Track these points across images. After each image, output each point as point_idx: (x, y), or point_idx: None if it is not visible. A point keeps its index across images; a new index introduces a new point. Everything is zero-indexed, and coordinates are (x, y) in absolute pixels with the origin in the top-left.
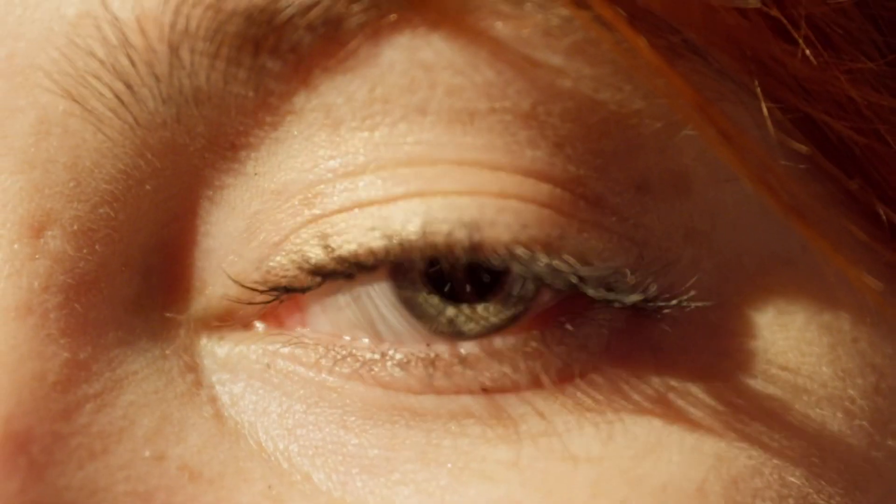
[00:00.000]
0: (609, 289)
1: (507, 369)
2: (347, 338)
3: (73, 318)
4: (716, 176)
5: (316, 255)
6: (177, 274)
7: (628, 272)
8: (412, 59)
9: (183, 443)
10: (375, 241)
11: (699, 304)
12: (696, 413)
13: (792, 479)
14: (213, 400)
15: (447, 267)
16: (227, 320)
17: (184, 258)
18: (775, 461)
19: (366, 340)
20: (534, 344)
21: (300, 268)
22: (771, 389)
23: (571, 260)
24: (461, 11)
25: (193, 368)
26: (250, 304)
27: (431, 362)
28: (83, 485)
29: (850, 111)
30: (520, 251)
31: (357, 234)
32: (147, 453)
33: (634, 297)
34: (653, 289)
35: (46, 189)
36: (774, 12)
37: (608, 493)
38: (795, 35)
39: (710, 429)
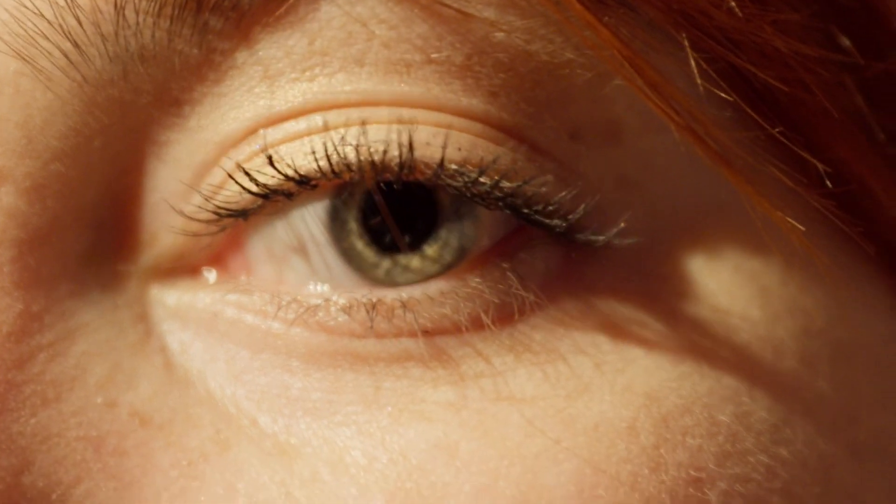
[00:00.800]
0: (535, 210)
1: (447, 311)
2: (291, 283)
3: (26, 272)
4: (647, 125)
5: (259, 173)
6: (126, 227)
7: (552, 196)
8: (349, 13)
9: (134, 390)
10: (314, 162)
11: (629, 240)
12: (627, 353)
13: (721, 418)
14: (163, 349)
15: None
16: (176, 270)
17: (133, 211)
18: (705, 400)
19: (310, 287)
20: (473, 284)
21: (244, 189)
22: (701, 331)
23: (497, 177)
24: None
25: (144, 318)
26: (197, 236)
27: (373, 307)
28: (36, 431)
29: (775, 61)
30: (451, 167)
31: (298, 156)
32: (99, 400)
33: (558, 221)
34: (578, 216)
35: None
36: None
37: (542, 432)
38: None
39: (641, 369)
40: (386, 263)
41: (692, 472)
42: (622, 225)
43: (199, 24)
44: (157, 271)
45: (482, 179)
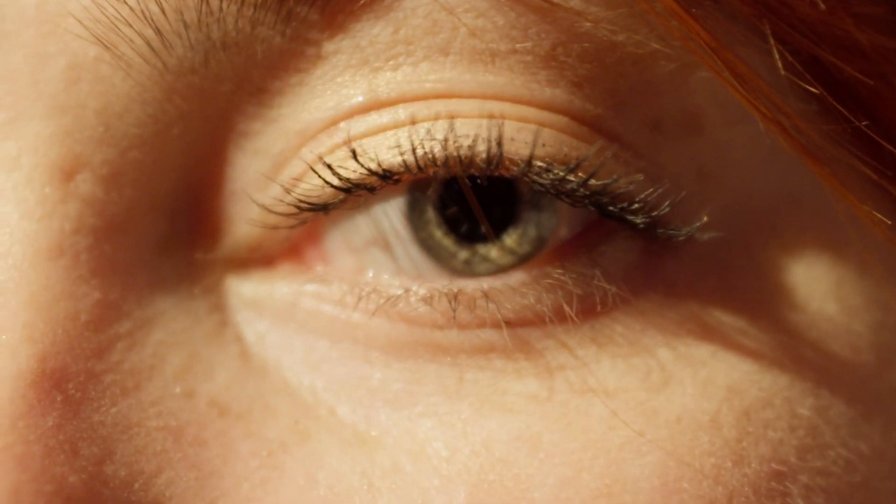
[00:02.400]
0: (620, 208)
1: (529, 301)
2: (371, 274)
3: (103, 260)
4: (728, 117)
5: (342, 167)
6: (203, 216)
7: (638, 194)
8: (435, 1)
9: (211, 380)
10: (399, 157)
11: (710, 234)
12: (708, 347)
13: (802, 411)
14: (239, 338)
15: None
16: (253, 260)
17: (211, 200)
18: (785, 393)
19: (387, 276)
20: (555, 276)
21: (326, 183)
22: (780, 324)
23: (583, 175)
24: None
25: (219, 308)
26: (275, 229)
27: (454, 297)
28: (117, 420)
29: (856, 54)
30: (538, 164)
31: (382, 150)
32: (177, 390)
33: (642, 219)
34: (663, 212)
35: (77, 134)
36: None
37: (626, 425)
38: None
39: (722, 362)
40: (464, 254)
41: (774, 466)
42: (704, 219)
43: (283, 12)
44: (233, 261)
45: (570, 178)
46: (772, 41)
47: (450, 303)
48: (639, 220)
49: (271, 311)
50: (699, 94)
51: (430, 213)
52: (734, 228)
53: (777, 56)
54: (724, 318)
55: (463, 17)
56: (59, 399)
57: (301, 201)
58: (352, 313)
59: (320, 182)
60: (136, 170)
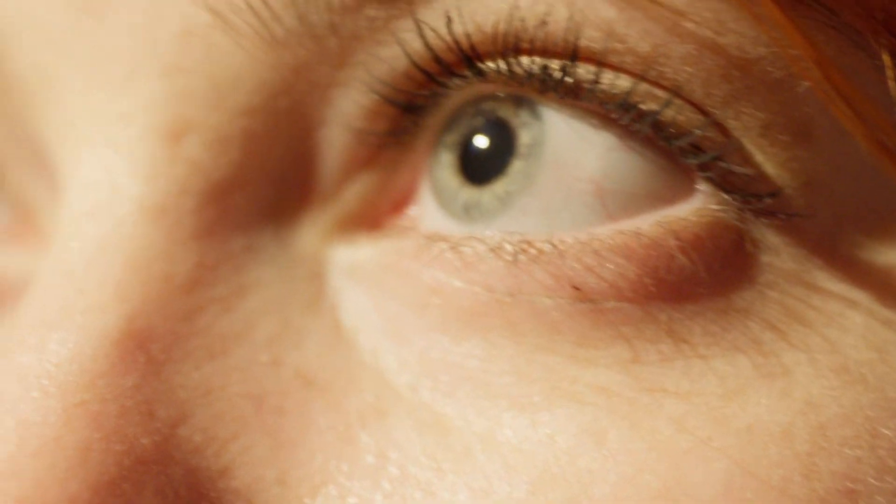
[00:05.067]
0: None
1: (608, 270)
2: (467, 237)
3: (205, 224)
4: (839, 127)
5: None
6: (307, 184)
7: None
8: None
9: (300, 349)
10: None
11: (806, 244)
12: (789, 357)
13: (884, 431)
14: (334, 308)
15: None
16: (355, 225)
17: (315, 168)
18: (867, 412)
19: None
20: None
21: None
22: (868, 341)
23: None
24: None
25: (318, 276)
26: (365, 143)
27: (536, 258)
28: (198, 384)
29: None
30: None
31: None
32: (264, 358)
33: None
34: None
35: (188, 97)
36: None
37: (693, 430)
38: None
39: (802, 374)
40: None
41: (848, 484)
42: (802, 225)
43: None
44: (335, 227)
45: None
46: (886, 61)
47: (531, 262)
48: (736, 202)
49: (367, 278)
50: (808, 101)
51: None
52: (835, 239)
53: (891, 77)
54: (810, 330)
55: (570, 6)
56: (141, 359)
57: (381, 81)
58: (438, 274)
59: (399, 50)
60: (243, 136)
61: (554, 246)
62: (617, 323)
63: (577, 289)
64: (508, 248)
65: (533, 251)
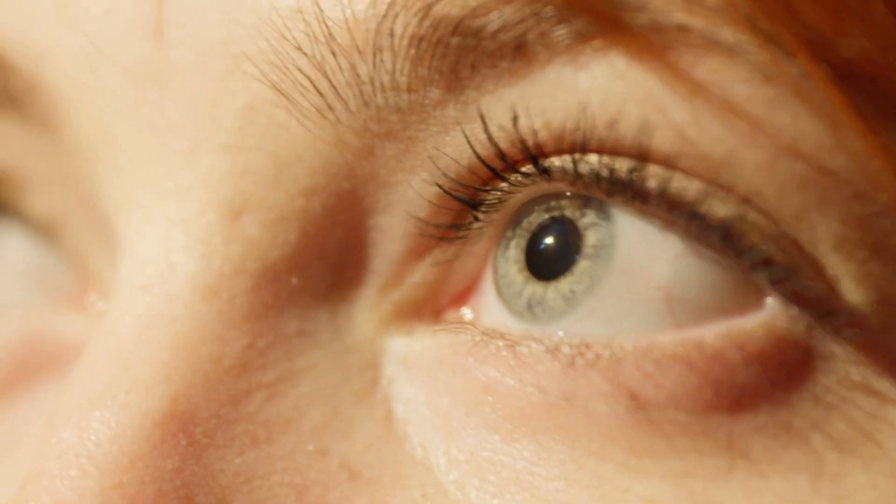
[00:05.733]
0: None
1: (667, 377)
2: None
3: (259, 305)
4: None
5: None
6: (366, 270)
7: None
8: (610, 88)
9: (348, 440)
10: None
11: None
12: (849, 480)
13: None
14: (388, 399)
15: None
16: (415, 314)
17: (374, 256)
18: None
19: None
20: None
21: (469, 145)
22: None
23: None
24: (663, 47)
25: (373, 366)
26: (427, 236)
27: (594, 362)
28: (240, 471)
29: None
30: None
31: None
32: (310, 447)
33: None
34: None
35: (249, 174)
36: None
37: None
38: None
39: (861, 499)
40: None
41: None
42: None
43: (457, 77)
44: (392, 316)
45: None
46: None
47: (588, 366)
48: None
49: (422, 371)
50: (887, 217)
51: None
52: None
53: None
54: (877, 453)
55: (638, 108)
56: (183, 442)
57: (444, 175)
58: (490, 371)
59: (464, 141)
60: (304, 218)
61: (613, 351)
62: (673, 434)
63: (634, 396)
64: (566, 350)
65: (591, 355)
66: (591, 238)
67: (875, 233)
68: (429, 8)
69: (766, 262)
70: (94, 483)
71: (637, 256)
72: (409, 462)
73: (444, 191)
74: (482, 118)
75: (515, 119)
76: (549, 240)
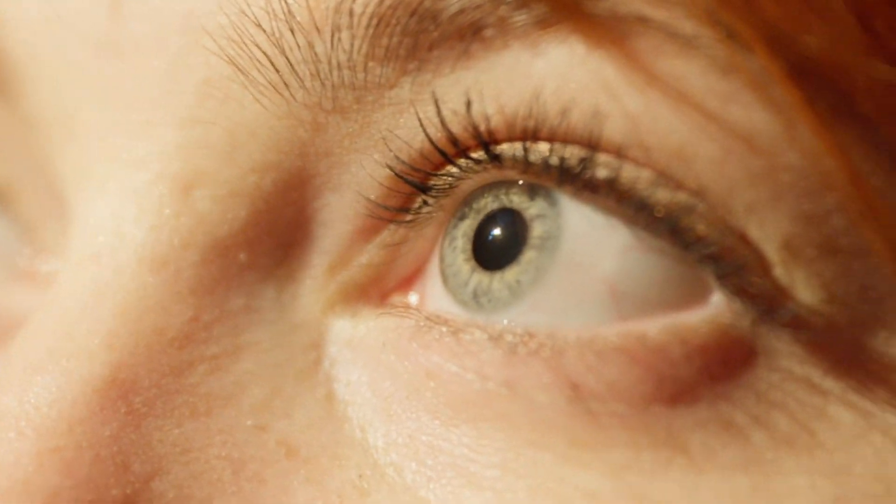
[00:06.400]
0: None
1: (610, 370)
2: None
3: (206, 279)
4: (866, 244)
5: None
6: (315, 249)
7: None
8: (565, 75)
9: (288, 418)
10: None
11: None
12: (788, 480)
13: None
14: (329, 380)
15: None
16: (362, 296)
17: (324, 235)
18: None
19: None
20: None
21: (423, 129)
22: (879, 472)
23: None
24: (622, 36)
25: (317, 346)
26: (378, 218)
27: (538, 349)
28: (178, 441)
29: None
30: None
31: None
32: (249, 423)
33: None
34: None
35: (203, 148)
36: None
37: None
38: None
39: (801, 499)
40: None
41: None
42: (819, 340)
43: (415, 58)
44: (339, 297)
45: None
46: None
47: (530, 355)
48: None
49: (365, 353)
50: (837, 217)
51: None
52: (857, 357)
53: None
54: (818, 453)
55: (592, 96)
56: (122, 410)
57: (397, 158)
58: (433, 357)
59: (417, 123)
60: (255, 194)
61: (556, 341)
62: (613, 426)
63: (575, 387)
64: (509, 338)
65: (534, 344)
66: (537, 229)
67: (824, 231)
68: None
69: (713, 257)
70: (31, 446)
71: (583, 249)
72: (348, 443)
73: (395, 173)
74: (436, 101)
75: (469, 104)
76: (497, 230)
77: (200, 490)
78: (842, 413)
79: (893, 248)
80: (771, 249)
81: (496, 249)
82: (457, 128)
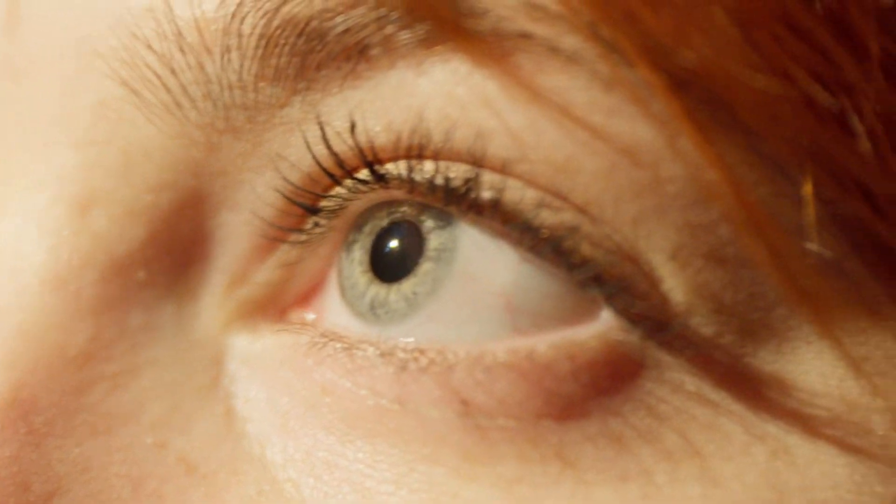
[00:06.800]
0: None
1: (501, 385)
2: (362, 339)
3: (105, 298)
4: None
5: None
6: (213, 267)
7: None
8: (448, 94)
9: (187, 435)
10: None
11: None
12: (677, 491)
13: None
14: (229, 396)
15: None
16: (262, 313)
17: (222, 253)
18: None
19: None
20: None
21: (308, 149)
22: (771, 480)
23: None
24: (505, 53)
25: (217, 363)
26: (273, 240)
27: (424, 369)
28: (78, 461)
29: None
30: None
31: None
32: (149, 440)
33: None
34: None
35: (99, 168)
36: (845, 102)
37: None
38: (858, 130)
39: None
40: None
41: None
42: (708, 351)
43: (303, 77)
44: (238, 314)
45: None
46: (807, 189)
47: (421, 371)
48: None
49: (264, 370)
50: (722, 227)
51: None
52: (745, 368)
53: (812, 219)
54: (708, 465)
55: (475, 114)
56: (22, 430)
57: (286, 180)
58: (327, 373)
59: (303, 145)
60: (151, 213)
61: (445, 357)
62: (503, 441)
63: (465, 403)
64: (400, 354)
65: (424, 360)
66: (434, 241)
67: (711, 242)
68: (277, 9)
69: (598, 278)
70: None
71: (478, 262)
72: (247, 459)
73: (285, 196)
74: (320, 122)
75: (353, 124)
76: (394, 243)
77: None
78: (732, 424)
79: (777, 257)
80: (658, 261)
81: (393, 261)
82: (342, 148)
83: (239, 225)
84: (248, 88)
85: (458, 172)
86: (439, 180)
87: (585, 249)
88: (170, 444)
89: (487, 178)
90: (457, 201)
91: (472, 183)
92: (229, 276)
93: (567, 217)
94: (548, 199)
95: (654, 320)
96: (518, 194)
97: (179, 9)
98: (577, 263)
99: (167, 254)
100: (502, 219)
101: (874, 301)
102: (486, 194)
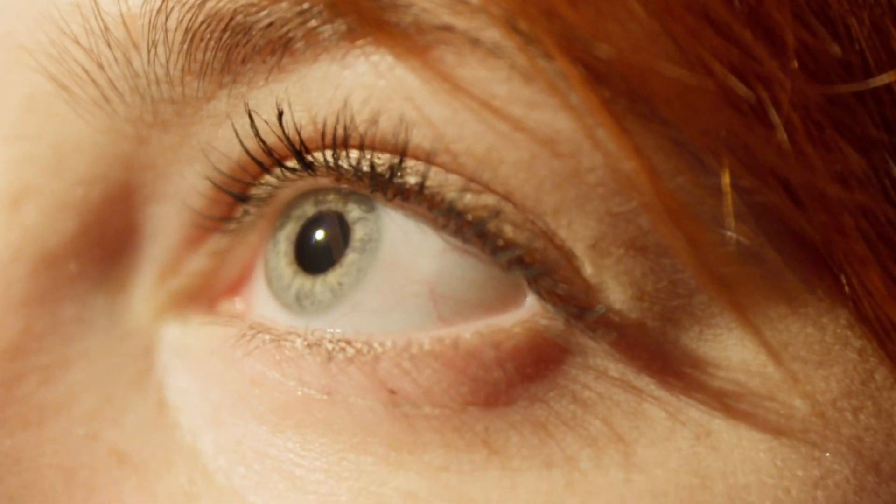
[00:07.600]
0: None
1: (423, 375)
2: (289, 331)
3: (36, 290)
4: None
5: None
6: (144, 258)
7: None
8: (371, 86)
9: (119, 426)
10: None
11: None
12: (603, 477)
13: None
14: (161, 387)
15: None
16: (192, 303)
17: (152, 244)
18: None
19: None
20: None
21: (237, 138)
22: (693, 466)
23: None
24: (426, 46)
25: (148, 354)
26: (202, 227)
27: (354, 358)
28: (10, 452)
29: (817, 205)
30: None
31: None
32: (81, 431)
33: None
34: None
35: (30, 163)
36: (762, 93)
37: None
38: (775, 121)
39: (615, 496)
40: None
41: None
42: (630, 337)
43: (229, 70)
44: (169, 304)
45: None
46: (724, 179)
47: (347, 362)
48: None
49: (195, 360)
50: (642, 216)
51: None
52: (667, 353)
53: (729, 209)
54: (631, 450)
55: (398, 106)
56: None
57: (216, 169)
58: (256, 365)
59: (234, 135)
60: (82, 206)
61: (372, 347)
62: (430, 429)
63: (392, 392)
64: (327, 346)
65: (351, 351)
66: (358, 232)
67: (631, 231)
68: (202, 4)
69: (522, 260)
70: None
71: (402, 251)
72: (178, 449)
73: (215, 184)
74: (249, 113)
75: (280, 115)
76: (320, 234)
77: (33, 499)
78: (655, 409)
79: (695, 246)
80: (580, 249)
81: (318, 253)
82: (271, 138)
83: (169, 216)
84: (175, 82)
85: (383, 159)
86: (365, 166)
87: (509, 232)
88: (102, 435)
89: (412, 164)
90: (382, 187)
91: (396, 169)
92: (160, 266)
93: (490, 200)
94: (471, 185)
95: (577, 304)
96: (442, 178)
97: (106, 4)
98: (501, 246)
99: (98, 246)
100: (428, 204)
101: (793, 289)
102: (412, 179)
